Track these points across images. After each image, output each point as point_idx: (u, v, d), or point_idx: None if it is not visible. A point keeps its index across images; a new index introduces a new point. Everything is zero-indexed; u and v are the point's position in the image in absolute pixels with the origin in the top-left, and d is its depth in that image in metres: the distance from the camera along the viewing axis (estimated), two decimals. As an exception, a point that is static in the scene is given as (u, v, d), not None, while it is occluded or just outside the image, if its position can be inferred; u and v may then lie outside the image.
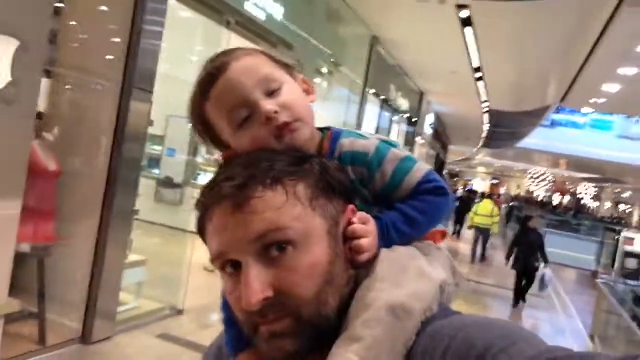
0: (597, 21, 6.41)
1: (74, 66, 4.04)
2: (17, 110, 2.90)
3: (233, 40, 5.13)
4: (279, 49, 5.77)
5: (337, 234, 0.69)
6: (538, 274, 8.28)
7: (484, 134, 20.03)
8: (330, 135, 0.78)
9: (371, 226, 0.72)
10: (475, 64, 9.20)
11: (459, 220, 16.92)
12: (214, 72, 0.73)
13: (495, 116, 15.27)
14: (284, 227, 0.63)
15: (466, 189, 21.51)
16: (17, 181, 3.00)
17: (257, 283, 0.62)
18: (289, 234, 0.64)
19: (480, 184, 49.84)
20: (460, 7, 6.30)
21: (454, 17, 6.67)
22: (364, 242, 0.70)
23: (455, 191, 21.15)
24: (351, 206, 0.73)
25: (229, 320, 0.75)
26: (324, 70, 7.47)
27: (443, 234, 0.82)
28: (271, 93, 0.73)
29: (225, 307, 0.75)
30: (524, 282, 8.48)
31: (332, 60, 7.45)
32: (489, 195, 18.88)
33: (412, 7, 6.74)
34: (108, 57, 3.98)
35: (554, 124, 25.02)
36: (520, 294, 8.50)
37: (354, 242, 0.70)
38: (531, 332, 0.59)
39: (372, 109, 9.93)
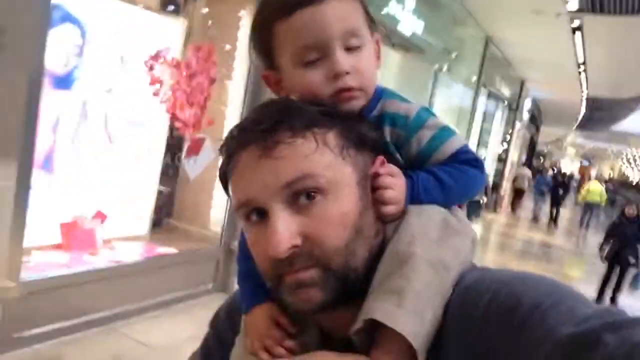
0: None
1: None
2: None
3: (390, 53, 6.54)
4: (411, 53, 7.19)
5: (366, 185, 0.67)
6: (633, 271, 7.45)
7: (580, 117, 20.45)
8: (373, 93, 0.74)
9: (399, 180, 0.70)
10: (580, 60, 10.12)
11: (557, 204, 15.50)
12: None
13: (594, 101, 15.85)
14: (314, 175, 0.61)
15: (561, 172, 21.60)
16: None
17: (286, 230, 0.60)
18: (319, 182, 0.62)
19: (569, 165, 48.64)
20: (573, 18, 7.38)
21: (565, 25, 7.74)
22: (389, 193, 0.68)
23: (543, 173, 21.30)
24: (381, 157, 0.70)
25: (246, 274, 0.75)
26: (445, 68, 8.76)
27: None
28: (350, 49, 0.70)
29: (243, 260, 0.75)
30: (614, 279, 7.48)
31: (454, 58, 8.74)
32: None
33: (527, 14, 7.86)
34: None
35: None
36: (610, 291, 7.49)
37: (378, 192, 0.68)
38: (578, 291, 0.58)
39: (480, 98, 11.07)
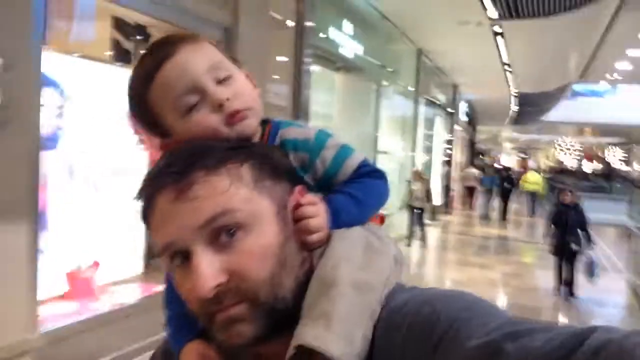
0: (602, 23, 8.14)
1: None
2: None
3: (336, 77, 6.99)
4: (353, 73, 7.69)
5: (286, 216, 0.68)
6: (582, 259, 7.19)
7: (511, 113, 21.66)
8: (270, 126, 0.77)
9: (320, 207, 0.71)
10: (505, 60, 10.94)
11: (505, 199, 15.62)
12: (162, 55, 0.71)
13: (522, 97, 16.92)
14: (232, 210, 0.62)
15: (506, 167, 22.56)
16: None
17: (209, 269, 0.60)
18: (237, 217, 0.62)
19: (508, 159, 50.72)
20: (494, 24, 8.08)
21: (488, 32, 8.45)
22: (313, 222, 0.69)
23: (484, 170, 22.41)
24: (299, 187, 0.71)
25: (173, 316, 0.76)
26: (385, 83, 9.31)
27: (382, 219, 0.82)
28: (220, 81, 0.72)
29: (170, 302, 0.76)
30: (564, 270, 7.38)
31: (392, 72, 9.31)
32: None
33: (452, 25, 8.52)
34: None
35: (575, 94, 26.27)
36: (563, 284, 7.38)
37: (302, 223, 0.69)
38: (495, 305, 0.60)
39: (420, 107, 11.72)
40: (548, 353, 0.47)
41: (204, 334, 0.72)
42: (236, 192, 0.63)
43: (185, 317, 0.71)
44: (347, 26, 7.13)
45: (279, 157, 0.71)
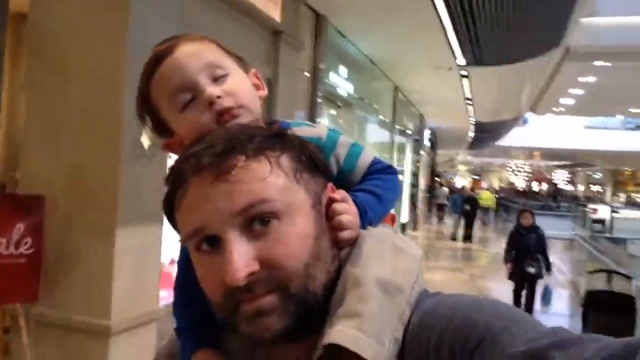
0: (548, 70, 9.87)
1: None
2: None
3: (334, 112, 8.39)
4: (345, 108, 9.13)
5: (320, 210, 0.67)
6: (541, 284, 7.18)
7: (468, 139, 23.63)
8: (277, 126, 0.74)
9: (352, 204, 0.71)
10: (467, 95, 12.62)
11: (470, 223, 15.92)
12: (162, 53, 0.73)
13: (480, 125, 18.78)
14: (270, 199, 0.60)
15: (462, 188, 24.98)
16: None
17: (242, 257, 0.58)
18: (274, 206, 0.60)
19: (462, 181, 52.99)
20: (461, 69, 9.69)
21: (456, 74, 10.06)
22: (346, 219, 0.69)
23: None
24: (331, 184, 0.71)
25: (185, 326, 0.77)
26: (368, 115, 10.78)
27: (393, 219, 0.82)
28: (217, 79, 0.73)
29: (183, 309, 0.77)
30: (523, 295, 7.21)
31: (374, 107, 10.81)
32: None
33: (427, 69, 10.08)
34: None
35: (525, 122, 28.58)
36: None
37: (336, 219, 0.68)
38: (530, 315, 0.59)
39: (395, 135, 13.26)
40: None
41: (214, 343, 0.74)
42: (275, 180, 0.61)
43: (200, 322, 0.73)
44: (343, 70, 8.57)
45: (315, 152, 0.69)
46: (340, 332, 0.59)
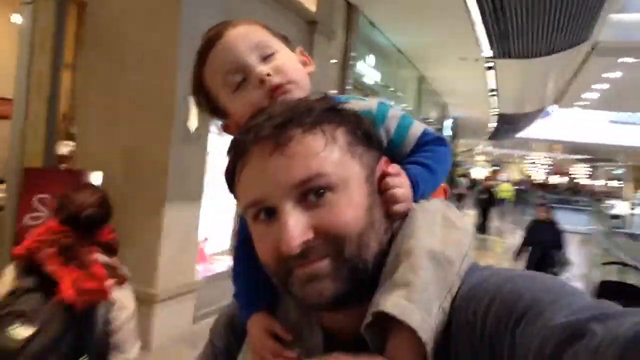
0: (574, 64, 9.93)
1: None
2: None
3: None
4: (371, 96, 9.32)
5: (373, 183, 0.68)
6: None
7: (490, 130, 23.58)
8: (308, 86, 0.77)
9: (405, 178, 0.72)
10: (492, 86, 12.69)
11: (485, 215, 14.94)
12: (212, 38, 0.75)
13: (502, 116, 18.79)
14: (325, 174, 0.62)
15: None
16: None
17: (298, 226, 0.61)
18: (330, 180, 0.62)
19: (480, 172, 52.51)
20: (488, 61, 9.79)
21: (482, 66, 10.16)
22: (399, 192, 0.70)
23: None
24: (385, 157, 0.72)
25: (244, 287, 0.80)
26: (392, 103, 10.95)
27: (446, 192, 0.82)
28: (265, 58, 0.75)
29: (243, 272, 0.80)
30: None
31: (399, 95, 10.97)
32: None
33: (454, 60, 10.19)
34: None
35: (547, 114, 28.33)
36: None
37: (389, 192, 0.69)
38: (578, 289, 0.58)
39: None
40: (636, 337, 0.45)
41: (269, 309, 0.77)
42: (330, 154, 0.63)
43: (256, 288, 0.77)
44: (371, 59, 8.74)
45: (370, 125, 0.71)
46: (389, 301, 0.60)
